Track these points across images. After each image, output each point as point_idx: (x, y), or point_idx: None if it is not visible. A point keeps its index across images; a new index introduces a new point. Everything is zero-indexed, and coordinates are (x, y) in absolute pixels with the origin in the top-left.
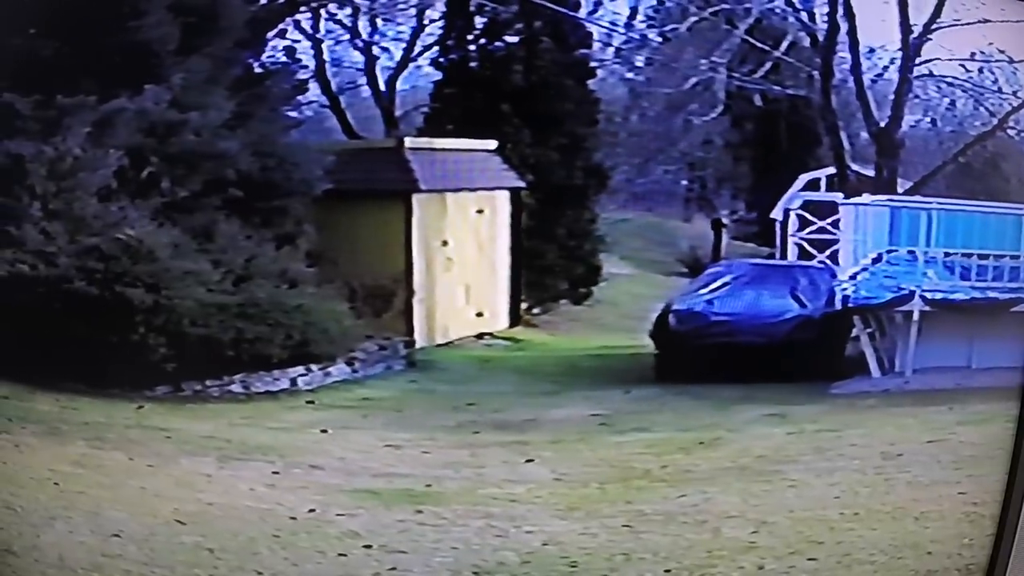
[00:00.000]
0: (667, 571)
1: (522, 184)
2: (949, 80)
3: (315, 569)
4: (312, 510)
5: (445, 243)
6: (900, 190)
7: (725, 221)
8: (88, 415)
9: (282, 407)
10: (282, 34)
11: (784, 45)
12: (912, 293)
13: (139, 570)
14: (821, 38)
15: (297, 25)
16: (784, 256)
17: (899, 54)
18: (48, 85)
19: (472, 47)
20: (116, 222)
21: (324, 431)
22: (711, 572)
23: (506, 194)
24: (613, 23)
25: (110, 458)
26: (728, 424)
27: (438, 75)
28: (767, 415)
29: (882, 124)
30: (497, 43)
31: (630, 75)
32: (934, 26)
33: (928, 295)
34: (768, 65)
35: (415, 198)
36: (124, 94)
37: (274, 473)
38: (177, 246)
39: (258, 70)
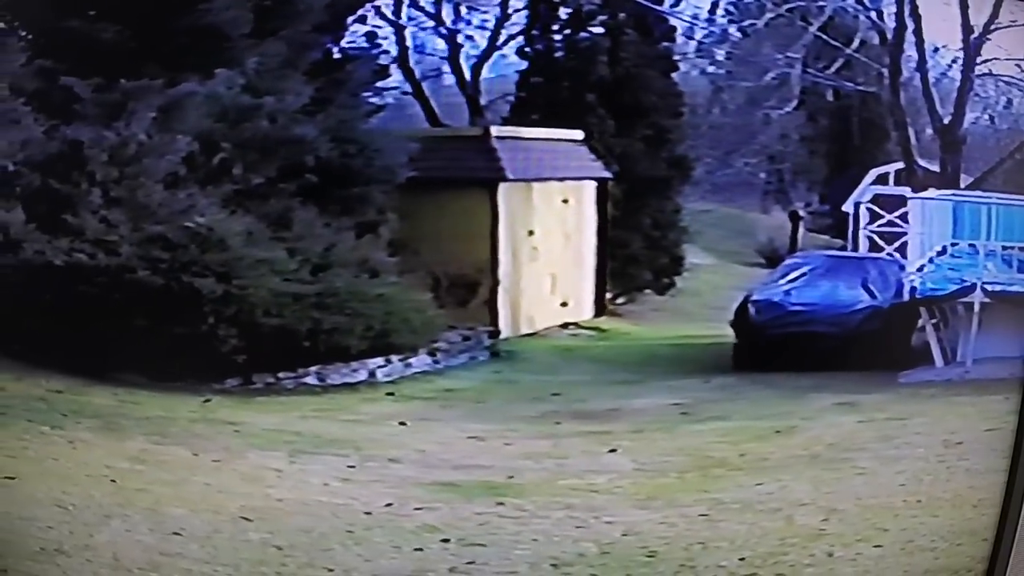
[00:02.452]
0: (741, 559)
1: (608, 174)
2: (1007, 79)
3: (389, 564)
4: (389, 504)
5: (531, 232)
6: (962, 185)
7: (801, 213)
8: (149, 409)
9: (360, 399)
10: (362, 19)
11: (855, 43)
12: (974, 285)
13: (200, 568)
14: (890, 36)
15: (378, 11)
16: (855, 248)
17: (960, 53)
18: (109, 69)
19: (557, 37)
20: (184, 209)
21: (403, 423)
22: (783, 560)
23: (592, 184)
24: (695, 17)
25: (172, 453)
26: (802, 412)
27: (523, 64)
28: (839, 404)
29: (946, 121)
30: (582, 34)
31: (711, 69)
32: (992, 26)
33: (988, 287)
34: (840, 62)
35: (501, 187)
36: (193, 78)
37: (349, 467)
38: (250, 234)
39: (337, 55)
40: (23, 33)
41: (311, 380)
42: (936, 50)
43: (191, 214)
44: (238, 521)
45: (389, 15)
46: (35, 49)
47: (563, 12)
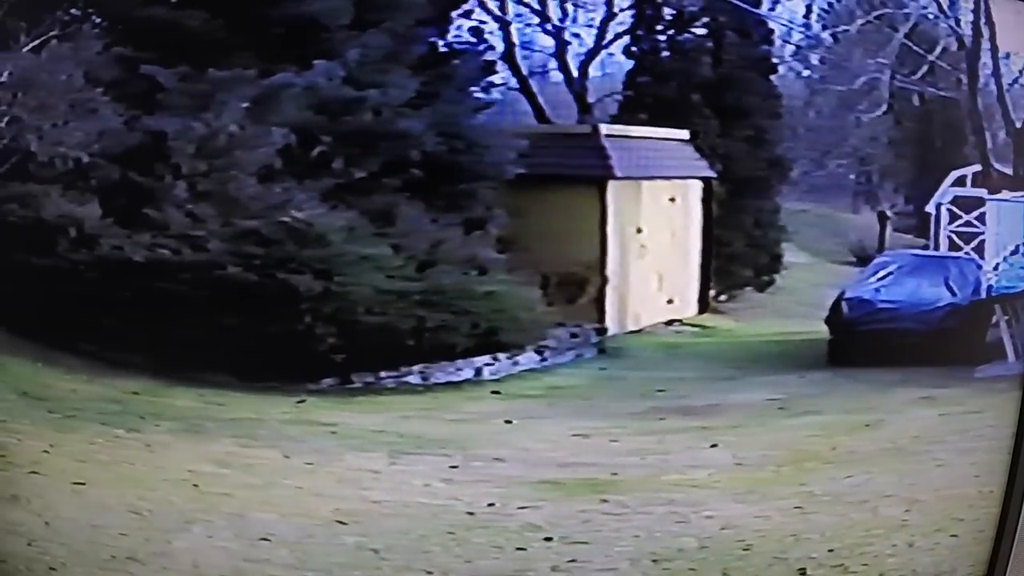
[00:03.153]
0: (830, 551)
1: (713, 173)
2: None
3: (490, 565)
4: (491, 504)
5: (639, 230)
6: None
7: (888, 213)
8: (236, 411)
9: (464, 398)
10: (467, 14)
11: (938, 49)
12: None
13: (288, 574)
14: (968, 43)
15: (483, 5)
16: (937, 247)
17: None
18: (196, 57)
19: (662, 37)
20: (279, 204)
21: (508, 422)
22: (868, 551)
23: (698, 183)
24: (791, 21)
25: (261, 456)
26: (888, 406)
27: (630, 63)
28: (921, 398)
29: (1018, 125)
30: (686, 34)
31: (806, 72)
32: None
33: None
34: (925, 68)
35: (610, 185)
36: (289, 69)
37: (452, 467)
38: (352, 229)
39: (443, 49)
40: (97, 20)
41: (414, 379)
42: (1007, 56)
43: (287, 208)
44: (332, 524)
45: (495, 11)
46: (112, 36)
47: (667, 13)
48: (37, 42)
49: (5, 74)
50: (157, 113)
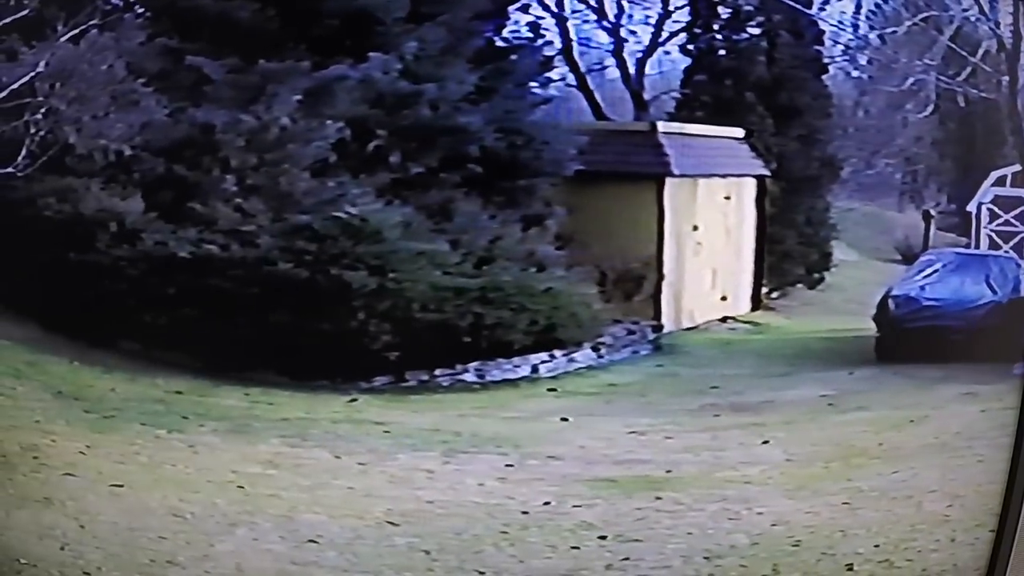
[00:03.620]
0: (876, 546)
1: (767, 172)
2: None
3: (543, 564)
4: (547, 503)
5: (695, 228)
6: None
7: (932, 212)
8: (286, 411)
9: (520, 395)
10: (525, 8)
11: (980, 52)
12: None
13: None
14: (1008, 45)
15: (541, 1)
16: (978, 246)
17: None
18: (246, 50)
19: (719, 37)
20: (333, 199)
21: (564, 419)
22: (912, 546)
23: (752, 181)
24: (840, 22)
25: (311, 456)
26: (932, 402)
27: (687, 61)
28: (964, 394)
29: None
30: (741, 33)
31: (855, 73)
32: None
33: None
34: (969, 70)
35: (668, 182)
36: (344, 62)
37: (507, 466)
38: (408, 225)
39: (501, 44)
40: (140, 10)
41: (469, 377)
42: None
43: (341, 204)
44: (383, 525)
45: (552, 6)
46: (156, 27)
47: (723, 12)
48: (76, 31)
49: (42, 64)
50: (204, 105)
